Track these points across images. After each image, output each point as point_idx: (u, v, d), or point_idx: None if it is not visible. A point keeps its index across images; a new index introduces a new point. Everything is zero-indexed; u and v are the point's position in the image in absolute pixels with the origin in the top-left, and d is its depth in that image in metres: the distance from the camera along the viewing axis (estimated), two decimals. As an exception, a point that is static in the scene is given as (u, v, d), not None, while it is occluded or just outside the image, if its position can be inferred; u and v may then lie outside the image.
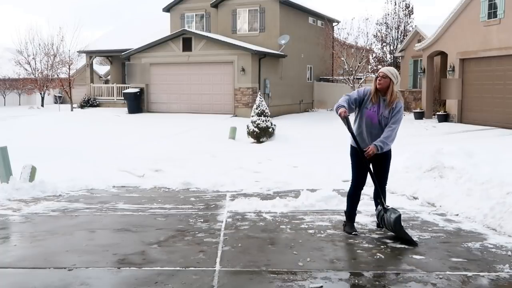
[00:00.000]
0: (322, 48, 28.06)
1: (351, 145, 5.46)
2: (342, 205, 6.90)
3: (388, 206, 5.34)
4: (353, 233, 5.42)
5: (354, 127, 5.36)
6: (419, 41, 23.67)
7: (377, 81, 5.24)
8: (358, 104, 5.35)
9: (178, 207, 7.13)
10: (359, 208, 6.85)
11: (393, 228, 5.16)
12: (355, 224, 5.71)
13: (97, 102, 27.94)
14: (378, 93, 5.31)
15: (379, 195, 5.38)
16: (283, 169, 10.75)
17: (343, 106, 5.14)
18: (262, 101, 17.44)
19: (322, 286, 4.00)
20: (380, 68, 28.37)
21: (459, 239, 5.31)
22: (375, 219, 6.08)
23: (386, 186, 5.59)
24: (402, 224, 5.17)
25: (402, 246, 5.08)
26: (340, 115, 5.13)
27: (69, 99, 29.99)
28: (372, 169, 5.40)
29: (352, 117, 5.35)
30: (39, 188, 8.09)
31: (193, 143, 15.78)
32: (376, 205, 5.56)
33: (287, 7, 25.55)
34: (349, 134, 5.30)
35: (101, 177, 9.44)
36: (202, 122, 20.68)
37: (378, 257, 4.72)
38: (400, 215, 5.12)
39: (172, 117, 22.77)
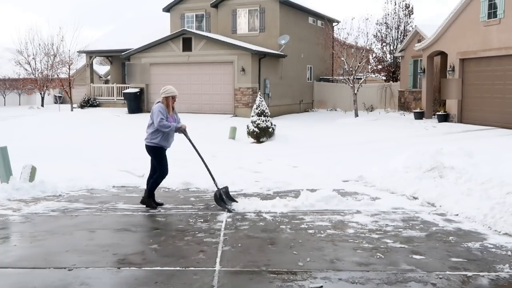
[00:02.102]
0: (322, 48, 28.06)
1: (161, 146, 6.93)
2: (342, 205, 6.93)
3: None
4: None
5: (160, 134, 6.90)
6: (419, 41, 23.66)
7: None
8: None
9: (178, 207, 7.13)
10: (359, 208, 6.90)
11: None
12: (355, 223, 5.77)
13: (97, 102, 27.94)
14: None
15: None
16: (283, 169, 10.75)
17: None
18: (262, 101, 17.44)
19: (322, 286, 4.00)
20: (379, 69, 28.29)
21: (459, 239, 5.31)
22: (375, 219, 6.12)
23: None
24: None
25: (402, 246, 5.08)
26: (182, 129, 6.93)
27: (69, 99, 29.99)
28: None
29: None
30: (39, 188, 8.09)
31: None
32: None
33: (287, 7, 25.55)
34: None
35: (101, 177, 9.43)
36: (202, 122, 20.68)
37: (378, 257, 4.72)
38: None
39: (172, 117, 22.73)
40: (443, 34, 20.61)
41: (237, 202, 7.13)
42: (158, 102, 6.98)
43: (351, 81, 23.94)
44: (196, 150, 7.11)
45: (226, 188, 7.28)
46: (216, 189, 7.05)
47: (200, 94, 23.93)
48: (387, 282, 4.10)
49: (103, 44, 29.52)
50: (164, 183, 9.08)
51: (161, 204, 7.14)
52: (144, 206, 7.03)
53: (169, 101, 6.93)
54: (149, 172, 7.22)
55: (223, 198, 7.01)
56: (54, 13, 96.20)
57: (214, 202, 6.99)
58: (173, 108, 7.04)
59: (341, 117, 24.03)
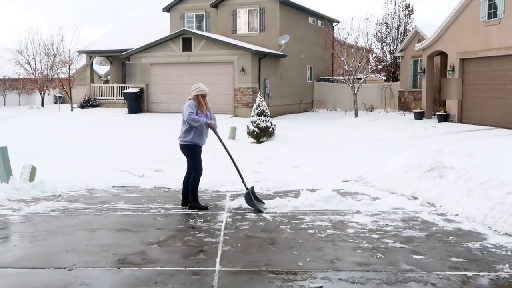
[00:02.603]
0: (322, 48, 28.06)
1: (195, 144, 6.89)
2: (342, 205, 6.93)
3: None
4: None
5: (193, 132, 6.88)
6: (419, 41, 23.66)
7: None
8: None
9: (178, 207, 7.12)
10: (359, 208, 6.89)
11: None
12: (355, 223, 5.78)
13: (97, 102, 27.94)
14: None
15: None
16: (283, 169, 10.75)
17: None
18: (262, 101, 17.44)
19: (322, 286, 4.00)
20: (379, 69, 28.24)
21: (459, 239, 5.31)
22: (375, 219, 6.12)
23: None
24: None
25: (402, 246, 5.08)
26: (212, 125, 6.95)
27: (69, 99, 29.99)
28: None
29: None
30: (39, 188, 8.09)
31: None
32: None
33: (287, 7, 25.55)
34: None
35: (101, 177, 9.43)
36: (202, 122, 20.65)
37: (378, 257, 4.72)
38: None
39: (172, 117, 22.72)
40: (443, 34, 20.61)
41: (263, 202, 7.03)
42: (189, 99, 6.97)
43: (351, 81, 23.94)
44: (225, 148, 7.11)
45: (252, 188, 7.14)
46: (245, 189, 6.98)
47: (200, 94, 23.90)
48: (387, 282, 4.10)
49: (103, 44, 29.52)
50: (164, 183, 9.13)
51: (206, 208, 6.94)
52: (192, 209, 6.85)
53: (199, 99, 6.92)
54: (185, 172, 7.13)
55: (252, 198, 6.87)
56: (54, 13, 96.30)
57: (246, 204, 6.83)
58: (206, 106, 7.00)
59: (341, 117, 24.02)
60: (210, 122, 6.92)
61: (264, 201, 7.13)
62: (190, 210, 6.85)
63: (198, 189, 7.93)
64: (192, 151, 6.92)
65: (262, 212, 6.61)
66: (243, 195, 7.43)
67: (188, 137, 6.85)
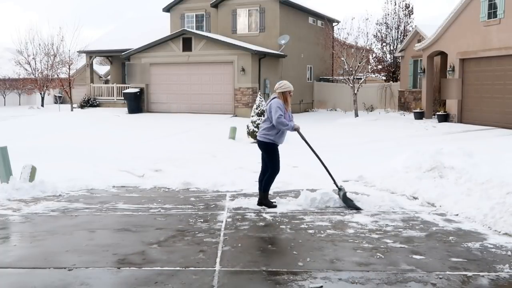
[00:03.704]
0: (322, 48, 28.07)
1: (275, 142, 6.88)
2: (342, 205, 6.93)
3: None
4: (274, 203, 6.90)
5: (275, 131, 6.88)
6: (419, 41, 23.66)
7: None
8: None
9: (178, 207, 7.12)
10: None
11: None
12: (355, 223, 5.80)
13: (97, 102, 27.95)
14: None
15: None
16: (283, 169, 10.70)
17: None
18: (262, 101, 17.44)
19: (322, 286, 4.00)
20: (379, 69, 28.26)
21: (459, 239, 5.31)
22: (375, 219, 6.11)
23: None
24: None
25: (402, 246, 5.08)
26: (297, 128, 6.97)
27: (69, 99, 29.99)
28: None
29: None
30: (39, 188, 8.08)
31: (193, 143, 15.77)
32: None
33: (287, 7, 25.55)
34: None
35: (101, 177, 9.43)
36: (202, 122, 20.68)
37: (378, 257, 4.72)
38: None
39: (172, 117, 22.77)
40: (443, 34, 20.61)
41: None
42: (274, 98, 6.87)
43: (351, 81, 23.94)
44: (312, 150, 7.23)
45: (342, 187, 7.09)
46: (337, 189, 7.03)
47: (200, 94, 23.92)
48: (387, 282, 4.10)
49: (103, 44, 29.53)
50: (164, 183, 9.12)
51: (275, 206, 6.91)
52: (262, 207, 6.88)
53: (286, 96, 6.86)
54: (260, 169, 7.14)
55: (348, 197, 6.88)
56: (54, 13, 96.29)
57: (343, 203, 6.85)
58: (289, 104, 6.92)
59: (341, 117, 24.02)
60: (297, 127, 6.93)
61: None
62: (190, 210, 6.85)
63: (198, 189, 7.94)
64: (271, 150, 6.90)
65: (360, 210, 6.61)
66: (243, 195, 7.44)
67: (270, 135, 6.81)
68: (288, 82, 6.99)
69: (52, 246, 5.19)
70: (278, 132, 6.82)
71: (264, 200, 6.94)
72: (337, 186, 7.09)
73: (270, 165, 6.92)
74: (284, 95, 6.86)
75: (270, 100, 6.90)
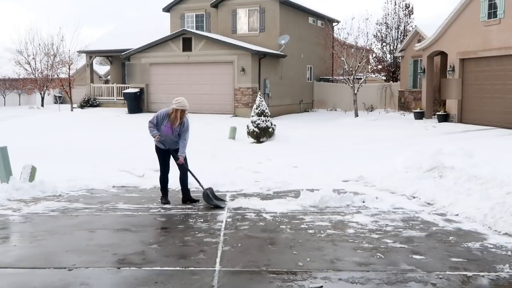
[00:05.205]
0: (322, 48, 28.05)
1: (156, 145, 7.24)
2: (342, 205, 6.93)
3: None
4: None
5: None
6: (419, 41, 23.66)
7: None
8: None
9: (178, 207, 7.13)
10: (359, 208, 6.90)
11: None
12: (355, 223, 5.81)
13: (97, 102, 27.94)
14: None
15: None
16: (283, 169, 10.75)
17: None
18: (262, 101, 17.44)
19: (322, 286, 4.00)
20: (379, 69, 28.20)
21: (459, 239, 5.31)
22: (375, 219, 6.12)
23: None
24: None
25: (402, 246, 5.08)
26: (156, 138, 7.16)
27: (69, 99, 29.99)
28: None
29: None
30: (39, 188, 8.08)
31: (193, 143, 15.70)
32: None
33: (287, 7, 25.54)
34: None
35: (101, 177, 9.43)
36: (202, 122, 20.67)
37: (378, 257, 4.72)
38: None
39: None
40: (443, 34, 20.61)
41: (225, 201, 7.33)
42: (167, 108, 7.27)
43: (351, 81, 23.94)
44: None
45: (211, 188, 7.39)
46: (202, 189, 7.28)
47: (200, 94, 23.91)
48: (387, 282, 4.10)
49: (103, 44, 29.52)
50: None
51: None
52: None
53: (177, 113, 7.07)
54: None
55: (211, 196, 7.18)
56: (54, 12, 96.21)
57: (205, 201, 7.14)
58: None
59: (341, 117, 24.02)
60: (158, 139, 7.17)
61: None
62: (190, 210, 6.86)
63: (198, 189, 7.95)
64: (156, 151, 7.45)
65: (222, 208, 6.88)
66: (243, 195, 7.45)
67: None
68: (185, 100, 7.11)
69: (52, 246, 5.19)
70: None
71: (162, 197, 7.41)
72: (202, 187, 7.30)
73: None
74: (175, 112, 7.05)
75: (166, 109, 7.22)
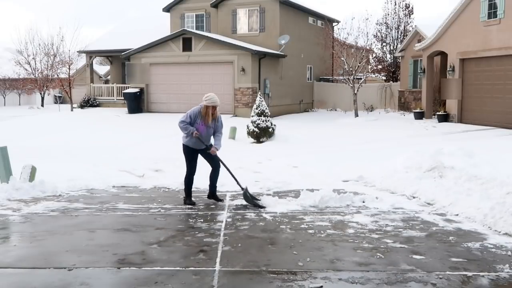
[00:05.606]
0: (322, 48, 28.06)
1: (186, 145, 7.19)
2: (342, 205, 6.93)
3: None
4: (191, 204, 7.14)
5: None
6: (419, 41, 23.66)
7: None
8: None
9: (178, 207, 7.13)
10: (359, 208, 6.90)
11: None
12: (355, 223, 5.81)
13: (97, 102, 27.94)
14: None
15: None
16: (283, 169, 10.74)
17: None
18: (262, 101, 17.44)
19: (322, 286, 4.00)
20: (379, 69, 28.21)
21: (459, 239, 5.31)
22: (375, 219, 6.13)
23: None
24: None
25: (402, 246, 5.08)
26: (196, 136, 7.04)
27: (69, 99, 29.99)
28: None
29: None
30: (39, 188, 8.08)
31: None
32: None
33: (287, 7, 25.55)
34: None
35: (101, 177, 9.43)
36: (202, 122, 20.63)
37: (378, 257, 4.72)
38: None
39: (172, 117, 22.68)
40: (443, 34, 20.60)
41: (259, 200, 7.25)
42: (199, 106, 7.20)
43: (351, 81, 23.94)
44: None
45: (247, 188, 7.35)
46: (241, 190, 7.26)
47: (200, 94, 23.68)
48: (387, 282, 4.10)
49: (103, 44, 29.52)
50: (164, 183, 9.13)
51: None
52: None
53: (208, 109, 7.04)
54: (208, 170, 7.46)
55: (250, 196, 7.14)
56: (54, 11, 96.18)
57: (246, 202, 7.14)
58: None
59: (341, 117, 24.03)
60: (197, 134, 7.07)
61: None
62: (190, 210, 6.86)
63: (198, 189, 7.96)
64: (184, 151, 7.34)
65: (264, 207, 6.81)
66: (242, 196, 7.45)
67: (184, 138, 7.24)
68: (215, 96, 7.07)
69: (52, 246, 5.19)
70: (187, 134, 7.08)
71: (186, 198, 7.30)
72: (241, 188, 7.28)
73: (186, 166, 7.32)
74: (206, 108, 7.02)
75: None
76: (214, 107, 7.02)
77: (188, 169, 7.26)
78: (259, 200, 7.19)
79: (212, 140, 7.30)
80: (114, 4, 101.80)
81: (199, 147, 7.13)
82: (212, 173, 7.33)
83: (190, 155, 7.21)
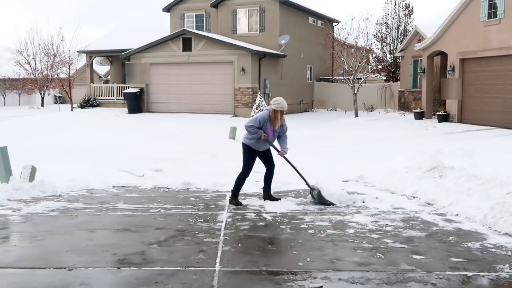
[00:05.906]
0: (322, 48, 28.06)
1: (249, 146, 7.19)
2: (342, 204, 6.93)
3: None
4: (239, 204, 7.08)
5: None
6: (419, 41, 23.66)
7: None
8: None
9: (178, 207, 7.13)
10: (359, 209, 6.89)
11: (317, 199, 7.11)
12: (355, 223, 5.82)
13: (97, 102, 27.95)
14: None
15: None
16: (283, 169, 10.72)
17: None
18: (262, 101, 17.45)
19: (322, 286, 4.00)
20: (379, 69, 28.25)
21: (459, 239, 5.31)
22: (375, 219, 6.12)
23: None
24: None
25: (402, 246, 5.08)
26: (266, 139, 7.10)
27: (69, 99, 30.00)
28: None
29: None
30: (39, 188, 8.08)
31: (193, 143, 15.77)
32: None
33: (287, 7, 25.55)
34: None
35: (101, 177, 9.43)
36: (202, 122, 20.68)
37: (378, 257, 4.72)
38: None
39: (172, 117, 22.77)
40: (443, 34, 20.61)
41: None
42: (267, 110, 7.15)
43: (351, 81, 23.94)
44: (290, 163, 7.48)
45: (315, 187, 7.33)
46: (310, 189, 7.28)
47: (200, 94, 23.92)
48: (387, 282, 4.10)
49: (103, 44, 29.53)
50: (164, 183, 9.13)
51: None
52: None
53: (277, 114, 7.04)
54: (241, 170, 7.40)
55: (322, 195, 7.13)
56: (54, 10, 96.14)
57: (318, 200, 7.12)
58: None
59: (341, 117, 24.03)
60: (265, 138, 7.10)
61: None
62: (190, 210, 6.86)
63: (198, 189, 7.95)
64: (244, 150, 7.33)
65: (334, 205, 6.91)
66: (243, 195, 7.44)
67: (247, 138, 7.25)
68: (284, 101, 7.05)
69: (52, 246, 5.19)
70: (254, 137, 7.08)
71: (233, 197, 7.22)
72: (309, 186, 7.27)
73: (242, 165, 7.24)
74: (275, 112, 7.02)
75: (264, 110, 7.20)
76: (282, 112, 7.04)
77: (244, 169, 7.25)
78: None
79: (276, 143, 7.37)
80: (114, 4, 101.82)
81: (261, 148, 7.19)
82: (266, 175, 7.37)
83: (251, 156, 7.23)
